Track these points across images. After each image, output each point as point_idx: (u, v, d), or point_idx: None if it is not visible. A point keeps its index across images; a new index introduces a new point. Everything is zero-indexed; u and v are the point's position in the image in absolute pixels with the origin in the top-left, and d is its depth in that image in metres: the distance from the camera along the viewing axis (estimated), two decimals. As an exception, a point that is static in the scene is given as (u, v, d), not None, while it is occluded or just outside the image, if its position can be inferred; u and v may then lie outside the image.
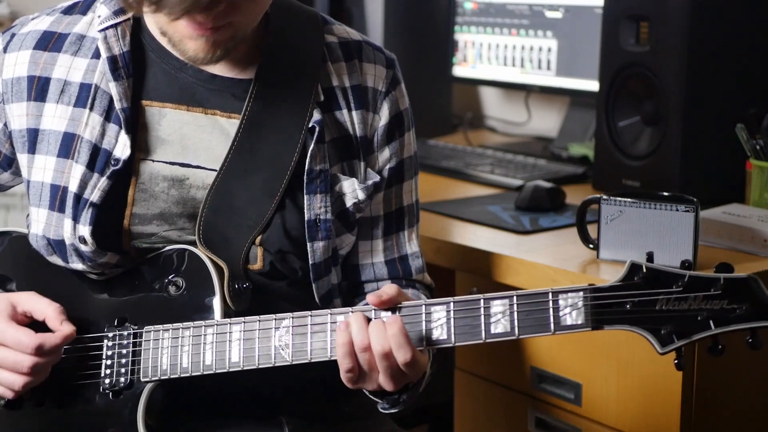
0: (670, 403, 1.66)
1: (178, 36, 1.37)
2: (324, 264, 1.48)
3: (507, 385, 1.91)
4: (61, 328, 1.42)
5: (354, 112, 1.51)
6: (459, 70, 2.83)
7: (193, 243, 1.46)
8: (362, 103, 1.52)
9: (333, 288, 1.51)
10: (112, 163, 1.45)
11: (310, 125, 1.47)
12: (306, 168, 1.46)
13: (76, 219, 1.44)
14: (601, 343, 1.73)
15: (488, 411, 1.96)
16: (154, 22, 1.44)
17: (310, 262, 1.47)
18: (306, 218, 1.46)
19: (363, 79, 1.52)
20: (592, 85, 2.39)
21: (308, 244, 1.47)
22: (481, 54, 2.76)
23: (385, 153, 1.54)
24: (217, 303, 1.42)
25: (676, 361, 1.26)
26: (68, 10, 1.53)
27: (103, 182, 1.44)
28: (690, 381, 1.65)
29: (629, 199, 1.70)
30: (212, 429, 1.50)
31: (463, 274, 1.92)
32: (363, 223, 1.55)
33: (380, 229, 1.57)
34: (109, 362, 1.44)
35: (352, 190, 1.50)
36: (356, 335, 1.31)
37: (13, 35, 1.52)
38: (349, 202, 1.50)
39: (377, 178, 1.53)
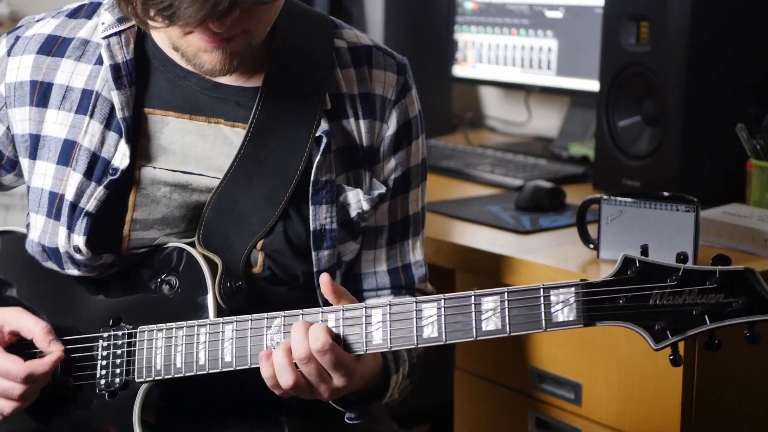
0: (670, 403, 1.66)
1: (192, 50, 1.35)
2: (329, 271, 1.47)
3: (507, 385, 1.91)
4: (50, 349, 1.41)
5: (362, 121, 1.49)
6: (459, 70, 2.83)
7: (192, 244, 1.46)
8: (370, 112, 1.50)
9: None
10: (111, 172, 1.44)
11: (317, 134, 1.45)
12: (312, 179, 1.45)
13: (71, 228, 1.44)
14: (601, 342, 1.73)
15: (488, 411, 1.96)
16: (164, 37, 1.41)
17: (315, 270, 1.47)
18: (311, 228, 1.46)
19: (372, 86, 1.50)
20: (592, 85, 2.39)
21: (313, 253, 1.46)
22: (481, 54, 2.76)
23: (391, 163, 1.53)
24: (210, 301, 1.42)
25: (671, 357, 1.24)
26: (73, 13, 1.51)
27: (100, 191, 1.43)
28: (690, 381, 1.65)
29: (629, 199, 1.70)
30: (212, 429, 1.50)
31: (463, 274, 1.92)
32: (367, 232, 1.54)
33: (384, 239, 1.56)
34: (104, 363, 1.44)
35: (356, 201, 1.49)
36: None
37: (17, 38, 1.51)
38: (353, 212, 1.49)
39: (383, 189, 1.51)
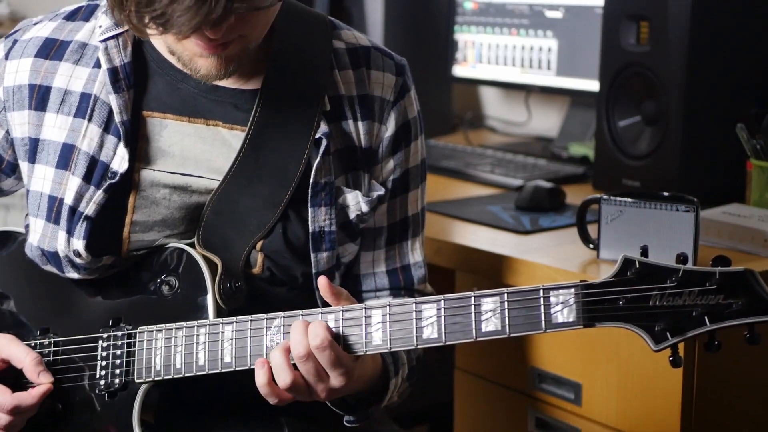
0: (670, 403, 1.66)
1: (188, 55, 1.35)
2: (327, 272, 1.47)
3: (507, 385, 1.91)
4: (39, 380, 1.41)
5: (360, 123, 1.49)
6: (459, 70, 2.83)
7: (192, 245, 1.46)
8: (369, 114, 1.49)
9: None
10: (110, 176, 1.44)
11: (316, 136, 1.45)
12: (311, 181, 1.45)
13: (70, 232, 1.44)
14: (601, 343, 1.73)
15: (488, 411, 1.96)
16: (161, 42, 1.41)
17: (314, 271, 1.47)
18: (310, 230, 1.45)
19: (370, 88, 1.50)
20: (592, 85, 2.39)
21: (312, 255, 1.46)
22: (481, 54, 2.76)
23: (390, 164, 1.53)
24: (209, 302, 1.42)
25: (671, 358, 1.24)
26: (71, 16, 1.51)
27: (99, 195, 1.43)
28: (690, 381, 1.65)
29: (629, 199, 1.70)
30: (212, 429, 1.50)
31: (463, 274, 1.92)
32: (366, 233, 1.54)
33: (383, 240, 1.56)
34: (103, 363, 1.44)
35: (355, 202, 1.48)
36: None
37: (15, 41, 1.51)
38: (352, 214, 1.49)
39: (381, 190, 1.51)
